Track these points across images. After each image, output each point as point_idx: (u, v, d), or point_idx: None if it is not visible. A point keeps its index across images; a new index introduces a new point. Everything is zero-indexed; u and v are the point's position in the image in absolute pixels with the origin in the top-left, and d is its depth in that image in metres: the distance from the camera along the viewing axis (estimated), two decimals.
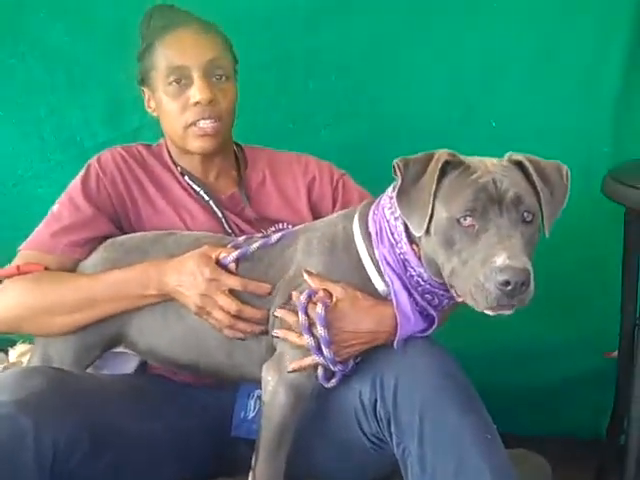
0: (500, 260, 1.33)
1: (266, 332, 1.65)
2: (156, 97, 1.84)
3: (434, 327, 1.56)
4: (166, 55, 1.79)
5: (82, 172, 1.85)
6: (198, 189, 1.87)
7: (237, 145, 1.98)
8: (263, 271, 1.66)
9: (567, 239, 2.03)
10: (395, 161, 1.47)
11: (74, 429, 1.47)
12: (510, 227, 1.38)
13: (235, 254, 1.65)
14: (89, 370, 1.78)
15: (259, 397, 1.72)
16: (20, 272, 1.72)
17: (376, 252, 1.56)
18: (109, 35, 2.33)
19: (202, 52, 1.78)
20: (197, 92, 1.75)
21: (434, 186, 1.43)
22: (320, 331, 1.52)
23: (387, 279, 1.55)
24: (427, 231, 1.45)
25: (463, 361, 1.83)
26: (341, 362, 1.55)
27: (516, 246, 1.36)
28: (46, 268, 1.74)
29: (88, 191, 1.81)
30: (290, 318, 1.57)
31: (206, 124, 1.78)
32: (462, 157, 1.47)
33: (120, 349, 1.77)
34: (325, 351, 1.52)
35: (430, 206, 1.42)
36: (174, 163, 1.90)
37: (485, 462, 1.41)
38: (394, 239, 1.53)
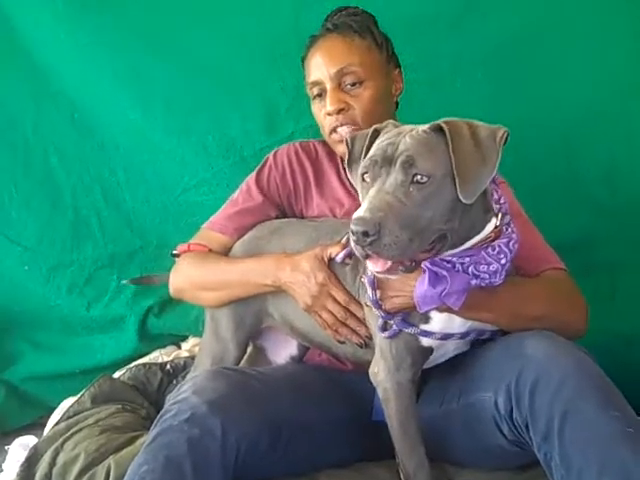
0: (358, 211, 1.38)
1: (366, 345, 1.75)
2: (312, 108, 1.99)
3: (449, 285, 1.48)
4: (307, 70, 1.95)
5: (260, 164, 2.06)
6: None
7: None
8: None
9: None
10: (345, 137, 1.64)
11: (255, 429, 1.60)
12: (394, 185, 1.40)
13: (342, 254, 1.75)
14: (255, 354, 2.02)
15: None
16: (189, 250, 2.01)
17: None
18: (264, 48, 2.50)
19: (331, 63, 1.88)
20: (327, 104, 1.89)
21: (363, 153, 1.53)
22: (369, 271, 1.55)
23: None
24: None
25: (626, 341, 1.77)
26: (387, 312, 1.60)
27: (381, 201, 1.38)
28: (211, 249, 2.00)
29: (260, 181, 2.03)
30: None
31: (343, 130, 1.89)
32: (394, 125, 1.55)
33: (268, 323, 1.95)
34: (369, 291, 1.59)
35: (359, 175, 1.51)
36: (342, 160, 2.01)
37: (630, 455, 1.35)
38: None
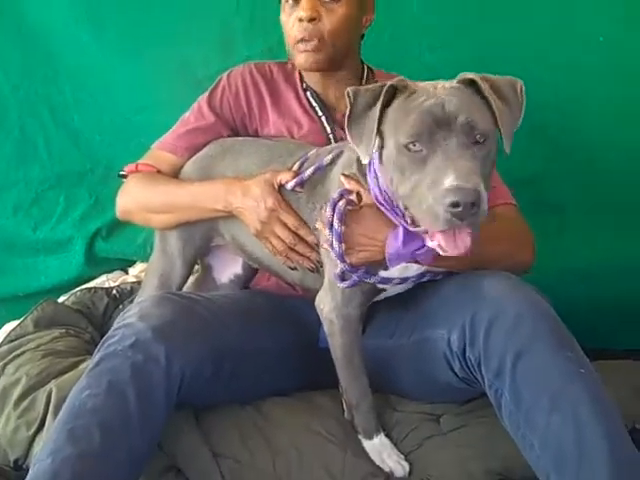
0: (448, 181, 1.30)
1: (317, 270, 1.73)
2: (281, 18, 1.91)
3: (425, 247, 1.47)
4: None
5: (213, 84, 2.01)
6: (315, 104, 1.95)
7: (370, 69, 2.02)
8: (319, 191, 1.72)
9: None
10: (347, 90, 1.47)
11: (199, 356, 1.59)
12: (459, 149, 1.35)
13: (294, 182, 1.72)
14: (203, 274, 2.03)
15: None
16: (137, 170, 1.98)
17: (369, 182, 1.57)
18: None
19: None
20: (301, 9, 1.82)
21: (377, 113, 1.41)
22: (335, 224, 1.56)
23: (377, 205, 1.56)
24: (381, 162, 1.47)
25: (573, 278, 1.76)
26: (351, 264, 1.58)
27: (465, 167, 1.32)
28: (160, 170, 1.96)
29: (213, 101, 1.99)
30: (324, 217, 1.61)
31: (308, 43, 1.83)
32: (411, 83, 1.45)
33: (217, 242, 1.95)
34: (335, 245, 1.56)
35: (374, 134, 1.41)
36: (301, 80, 2.00)
37: (582, 394, 1.38)
38: (377, 172, 1.53)
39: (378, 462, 1.65)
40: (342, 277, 1.62)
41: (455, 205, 1.28)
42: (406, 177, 1.40)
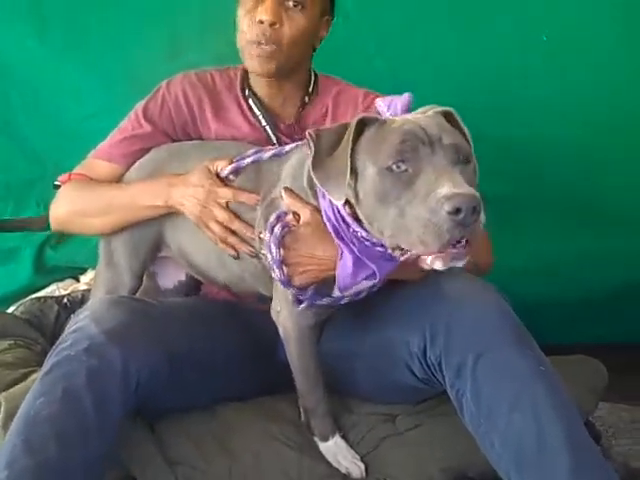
0: (445, 190, 1.23)
1: (256, 256, 1.69)
2: (238, 12, 1.83)
3: (378, 278, 1.48)
4: None
5: (152, 93, 1.95)
6: (258, 113, 1.91)
7: (315, 74, 1.98)
8: (256, 184, 1.70)
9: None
10: (307, 132, 1.41)
11: (155, 358, 1.56)
12: (447, 164, 1.30)
13: (229, 168, 1.71)
14: (147, 279, 1.96)
15: None
16: (70, 179, 1.93)
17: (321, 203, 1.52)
18: None
19: None
20: (263, 11, 1.75)
21: (349, 150, 1.35)
22: (273, 250, 1.54)
23: (328, 230, 1.51)
24: (357, 197, 1.39)
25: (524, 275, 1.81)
26: (298, 287, 1.57)
27: (458, 177, 1.27)
28: (93, 178, 1.91)
29: (151, 110, 1.92)
30: (264, 239, 1.59)
31: (264, 48, 1.78)
32: (379, 116, 1.42)
33: (165, 253, 1.91)
34: (277, 271, 1.55)
35: (347, 169, 1.34)
36: (245, 87, 1.93)
37: (542, 392, 1.39)
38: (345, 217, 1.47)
39: (334, 463, 1.65)
40: (297, 300, 1.60)
41: (456, 212, 1.21)
42: (390, 202, 1.32)
